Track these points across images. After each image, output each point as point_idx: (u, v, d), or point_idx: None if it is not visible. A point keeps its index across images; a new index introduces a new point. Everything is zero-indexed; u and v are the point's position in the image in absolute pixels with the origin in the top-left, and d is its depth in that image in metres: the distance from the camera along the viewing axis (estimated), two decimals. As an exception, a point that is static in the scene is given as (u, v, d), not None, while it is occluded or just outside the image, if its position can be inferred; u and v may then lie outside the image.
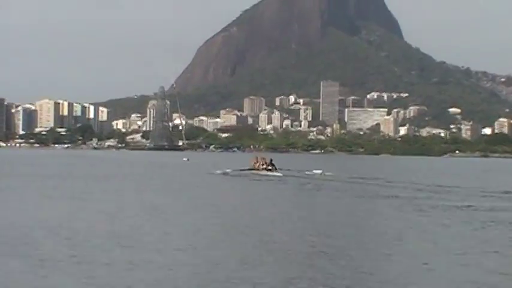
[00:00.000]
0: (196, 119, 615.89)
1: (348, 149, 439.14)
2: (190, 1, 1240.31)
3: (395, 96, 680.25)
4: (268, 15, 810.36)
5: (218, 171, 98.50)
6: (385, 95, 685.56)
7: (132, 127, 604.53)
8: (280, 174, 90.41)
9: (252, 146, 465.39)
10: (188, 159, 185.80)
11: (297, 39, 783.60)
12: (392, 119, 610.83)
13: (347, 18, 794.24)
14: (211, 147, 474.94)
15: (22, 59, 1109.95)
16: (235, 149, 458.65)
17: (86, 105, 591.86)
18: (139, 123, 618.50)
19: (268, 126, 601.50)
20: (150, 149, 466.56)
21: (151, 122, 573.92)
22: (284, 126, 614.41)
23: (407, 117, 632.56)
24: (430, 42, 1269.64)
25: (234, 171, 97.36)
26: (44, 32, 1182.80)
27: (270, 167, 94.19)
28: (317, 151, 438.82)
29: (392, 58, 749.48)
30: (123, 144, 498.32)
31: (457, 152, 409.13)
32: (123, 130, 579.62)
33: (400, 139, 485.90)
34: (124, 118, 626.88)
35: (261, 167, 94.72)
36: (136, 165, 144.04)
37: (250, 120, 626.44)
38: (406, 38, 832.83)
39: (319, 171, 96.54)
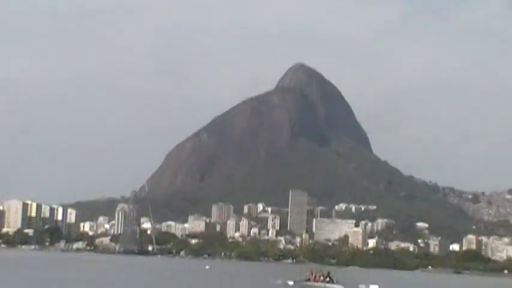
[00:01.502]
0: (164, 223, 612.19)
1: (319, 259, 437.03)
2: (160, 107, 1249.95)
3: (363, 208, 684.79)
4: (239, 123, 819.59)
5: (280, 282, 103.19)
6: (353, 207, 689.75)
7: (99, 230, 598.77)
8: (342, 287, 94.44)
9: (223, 254, 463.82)
10: (211, 267, 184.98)
11: (266, 148, 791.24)
12: (360, 231, 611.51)
13: (317, 129, 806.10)
14: (182, 253, 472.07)
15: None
16: (206, 256, 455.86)
17: (55, 206, 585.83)
18: (107, 226, 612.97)
19: (236, 234, 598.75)
20: (119, 253, 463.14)
21: (120, 225, 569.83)
22: (252, 234, 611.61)
23: (375, 229, 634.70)
24: (399, 157, 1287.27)
25: (296, 283, 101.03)
26: (12, 130, 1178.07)
27: (328, 279, 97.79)
28: (289, 260, 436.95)
29: (361, 170, 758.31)
30: (92, 247, 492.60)
31: (429, 267, 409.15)
32: (90, 233, 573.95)
33: (372, 252, 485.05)
34: (91, 220, 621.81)
35: (319, 279, 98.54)
36: (170, 274, 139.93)
37: (218, 227, 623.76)
38: (375, 151, 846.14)
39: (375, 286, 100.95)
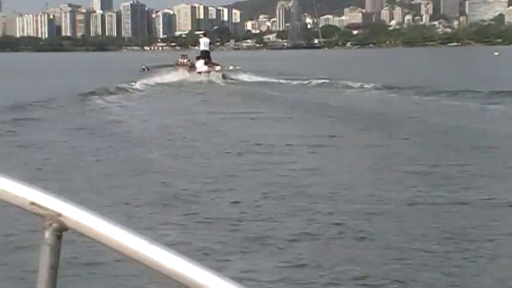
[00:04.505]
0: (321, 17, 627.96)
1: (485, 40, 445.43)
2: None
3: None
4: None
5: None
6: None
7: (261, 28, 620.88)
8: None
9: (388, 42, 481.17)
10: (499, 54, 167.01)
11: None
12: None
13: None
14: (348, 44, 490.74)
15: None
16: (372, 45, 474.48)
17: (220, 8, 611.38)
18: (268, 23, 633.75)
19: (392, 22, 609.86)
20: (288, 48, 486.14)
21: (281, 22, 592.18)
22: (406, 21, 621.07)
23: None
24: None
25: None
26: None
27: None
28: (454, 43, 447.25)
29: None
30: (261, 45, 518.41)
31: None
32: (253, 31, 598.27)
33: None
34: (252, 19, 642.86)
35: None
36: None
37: (373, 18, 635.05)
38: None
39: None
